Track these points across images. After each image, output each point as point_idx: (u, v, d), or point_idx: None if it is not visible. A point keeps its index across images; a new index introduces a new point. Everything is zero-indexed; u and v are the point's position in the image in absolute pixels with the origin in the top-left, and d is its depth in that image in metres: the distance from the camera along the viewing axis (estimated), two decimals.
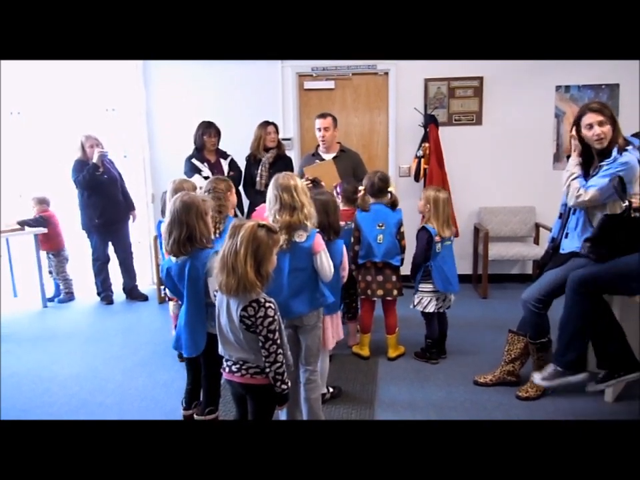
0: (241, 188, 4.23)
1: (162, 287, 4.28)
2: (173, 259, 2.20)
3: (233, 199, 2.90)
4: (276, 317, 1.84)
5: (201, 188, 3.05)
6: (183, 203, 2.15)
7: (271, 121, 4.20)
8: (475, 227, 4.91)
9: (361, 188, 3.31)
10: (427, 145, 4.62)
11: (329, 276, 2.32)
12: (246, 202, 4.22)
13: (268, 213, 2.31)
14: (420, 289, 3.25)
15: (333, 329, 2.69)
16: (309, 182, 3.46)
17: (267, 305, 1.82)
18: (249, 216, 3.96)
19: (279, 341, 1.85)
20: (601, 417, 2.55)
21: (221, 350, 1.97)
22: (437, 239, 3.16)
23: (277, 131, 4.19)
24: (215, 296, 1.99)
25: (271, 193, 2.30)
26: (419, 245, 3.20)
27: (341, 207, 3.36)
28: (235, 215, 3.56)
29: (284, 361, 1.88)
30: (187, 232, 2.13)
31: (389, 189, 3.24)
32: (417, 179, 4.74)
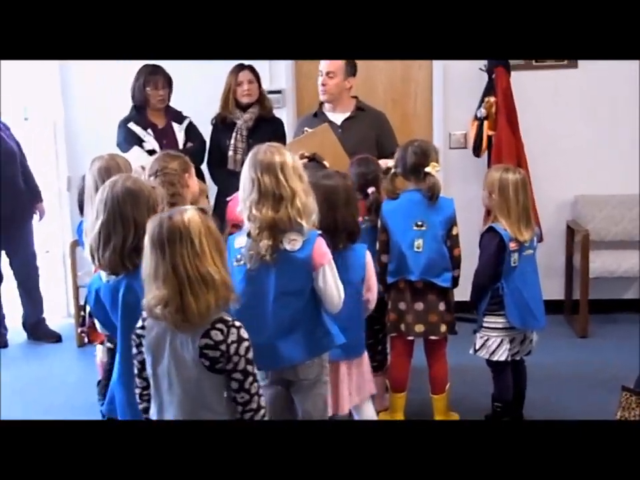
0: (204, 167, 4.24)
1: (80, 324, 4.25)
2: (105, 277, 2.24)
3: (193, 183, 2.96)
4: (250, 342, 1.89)
5: (143, 168, 3.08)
6: (127, 191, 2.20)
7: (246, 63, 4.14)
8: (568, 225, 4.92)
9: (390, 164, 3.30)
10: (492, 99, 4.62)
11: (337, 303, 2.36)
12: (213, 188, 4.23)
13: (242, 205, 2.35)
14: (485, 325, 3.25)
15: (352, 382, 2.72)
16: (305, 160, 3.45)
17: (237, 323, 1.88)
18: (217, 209, 3.93)
19: (258, 378, 1.93)
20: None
21: (154, 414, 1.99)
22: (513, 245, 3.14)
23: (256, 79, 4.17)
24: None
25: (246, 174, 2.35)
26: (483, 255, 3.23)
27: None
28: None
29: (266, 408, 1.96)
30: (135, 235, 2.15)
31: (428, 169, 3.20)
32: (477, 152, 4.76)
